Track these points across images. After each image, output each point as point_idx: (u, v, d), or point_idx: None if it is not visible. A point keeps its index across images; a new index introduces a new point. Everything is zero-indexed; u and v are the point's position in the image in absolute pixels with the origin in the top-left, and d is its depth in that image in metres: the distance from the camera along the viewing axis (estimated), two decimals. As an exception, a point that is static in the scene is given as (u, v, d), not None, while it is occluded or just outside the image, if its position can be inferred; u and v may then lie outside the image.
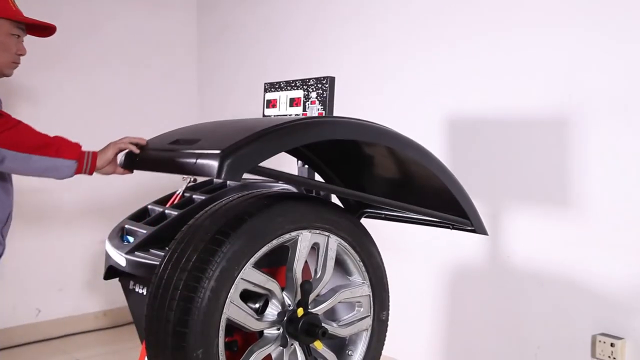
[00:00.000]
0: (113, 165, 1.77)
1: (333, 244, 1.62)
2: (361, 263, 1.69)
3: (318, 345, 1.59)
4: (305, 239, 1.55)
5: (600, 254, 2.19)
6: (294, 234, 1.52)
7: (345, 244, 1.64)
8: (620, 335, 2.15)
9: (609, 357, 2.15)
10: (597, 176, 2.19)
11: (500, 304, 2.49)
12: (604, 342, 2.16)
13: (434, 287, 2.72)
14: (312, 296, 1.58)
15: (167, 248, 1.49)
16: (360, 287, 1.69)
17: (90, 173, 1.79)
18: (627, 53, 2.11)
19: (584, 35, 2.21)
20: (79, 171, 1.76)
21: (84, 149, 1.77)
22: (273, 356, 1.54)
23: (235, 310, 1.42)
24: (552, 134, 2.31)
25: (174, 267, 1.42)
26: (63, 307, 3.46)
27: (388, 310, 1.76)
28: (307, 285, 1.56)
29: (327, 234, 1.60)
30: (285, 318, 1.53)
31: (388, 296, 1.77)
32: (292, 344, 1.55)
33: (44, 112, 3.35)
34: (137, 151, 1.65)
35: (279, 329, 1.54)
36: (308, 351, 1.57)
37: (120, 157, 1.75)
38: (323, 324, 1.57)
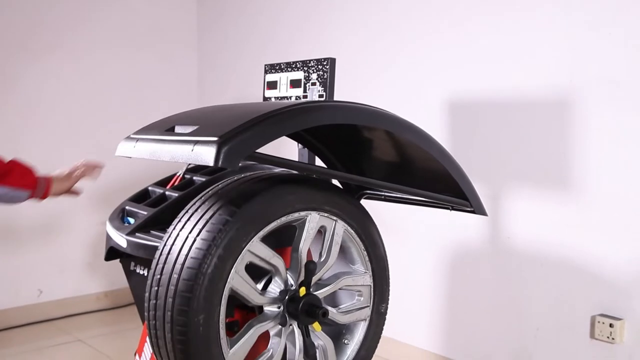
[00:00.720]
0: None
1: (340, 229, 1.64)
2: (365, 252, 1.70)
3: (317, 327, 1.60)
4: (313, 220, 1.57)
5: (600, 235, 2.20)
6: (302, 213, 1.54)
7: (352, 231, 1.66)
8: (620, 316, 2.16)
9: (608, 337, 2.16)
10: (597, 159, 2.19)
11: (499, 285, 2.50)
12: (603, 323, 2.17)
13: (433, 268, 2.73)
14: (314, 278, 1.59)
15: (178, 217, 1.51)
16: (362, 277, 1.70)
17: (42, 199, 1.84)
18: (628, 36, 2.10)
19: (584, 18, 2.20)
20: (30, 198, 1.81)
21: (38, 173, 1.82)
22: (271, 333, 1.55)
23: (239, 281, 1.44)
24: (552, 116, 2.30)
25: (183, 233, 1.44)
26: (64, 288, 3.48)
27: (387, 303, 1.78)
28: (312, 266, 1.57)
29: (335, 218, 1.62)
30: (287, 297, 1.55)
31: (389, 289, 1.78)
32: (290, 324, 1.57)
33: (41, 96, 3.34)
34: (95, 177, 1.70)
35: (279, 307, 1.55)
36: (306, 332, 1.58)
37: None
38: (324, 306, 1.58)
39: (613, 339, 2.15)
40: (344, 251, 1.71)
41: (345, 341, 1.73)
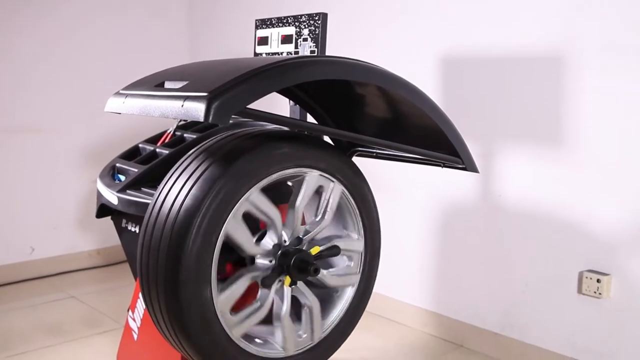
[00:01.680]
0: None
1: (337, 191, 1.65)
2: (359, 217, 1.72)
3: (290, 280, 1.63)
4: (313, 178, 1.59)
5: (589, 193, 2.21)
6: (304, 169, 1.56)
7: (349, 197, 1.67)
8: (607, 271, 2.19)
9: (595, 292, 2.20)
10: (590, 117, 2.19)
11: (490, 242, 2.52)
12: (590, 279, 2.21)
13: (424, 225, 2.75)
14: (308, 237, 1.61)
15: (169, 173, 1.51)
16: (354, 242, 1.73)
17: None
18: (624, -11, 2.08)
19: (581, -30, 2.17)
20: None
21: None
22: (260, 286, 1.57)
23: (234, 226, 1.46)
24: (546, 73, 2.29)
25: (174, 190, 1.46)
26: (57, 245, 3.49)
27: (376, 274, 1.80)
28: (306, 224, 1.59)
29: (334, 180, 1.63)
30: (280, 251, 1.56)
31: (379, 257, 1.80)
32: (281, 279, 1.58)
33: (24, 51, 3.29)
34: None
35: (271, 261, 1.56)
36: (294, 283, 1.60)
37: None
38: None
39: (600, 294, 2.18)
40: (337, 214, 1.72)
41: (331, 306, 1.74)
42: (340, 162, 1.65)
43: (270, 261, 1.57)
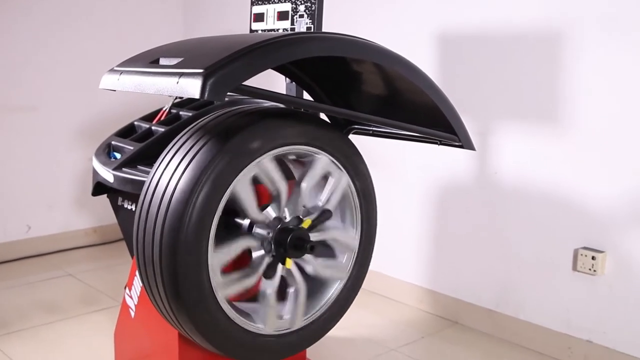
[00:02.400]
0: None
1: (345, 182, 1.66)
2: (359, 218, 1.73)
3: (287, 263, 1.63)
4: (324, 161, 1.60)
5: (585, 171, 2.22)
6: (314, 149, 1.58)
7: (354, 192, 1.69)
8: (601, 248, 2.20)
9: (590, 269, 2.21)
10: (587, 94, 2.18)
11: (485, 220, 2.53)
12: (586, 256, 2.22)
13: (420, 203, 2.76)
14: (308, 218, 1.61)
15: (165, 151, 1.52)
16: (350, 236, 1.73)
17: None
18: (622, -35, 2.06)
19: (579, -54, 2.15)
20: None
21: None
22: (254, 255, 1.57)
23: (242, 187, 1.46)
24: (543, 51, 2.28)
25: (170, 167, 1.46)
26: (53, 223, 3.49)
27: (366, 271, 1.80)
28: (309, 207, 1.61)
29: (343, 170, 1.65)
30: (279, 225, 1.57)
31: (369, 261, 1.81)
32: (274, 254, 1.58)
33: (20, 30, 3.26)
34: None
35: (269, 234, 1.57)
36: (284, 261, 1.61)
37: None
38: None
39: (594, 271, 2.20)
40: (340, 207, 1.73)
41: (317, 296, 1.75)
42: (333, 136, 1.64)
43: (268, 233, 1.57)
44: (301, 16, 1.99)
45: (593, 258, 2.20)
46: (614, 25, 2.09)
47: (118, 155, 2.06)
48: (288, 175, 1.61)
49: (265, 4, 2.12)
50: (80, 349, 2.35)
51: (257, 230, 1.57)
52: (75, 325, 2.55)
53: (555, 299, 2.35)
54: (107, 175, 1.94)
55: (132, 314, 2.00)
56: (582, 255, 2.23)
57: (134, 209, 2.01)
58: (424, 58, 2.63)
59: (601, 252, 2.20)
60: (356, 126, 1.85)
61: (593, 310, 2.25)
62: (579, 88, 2.20)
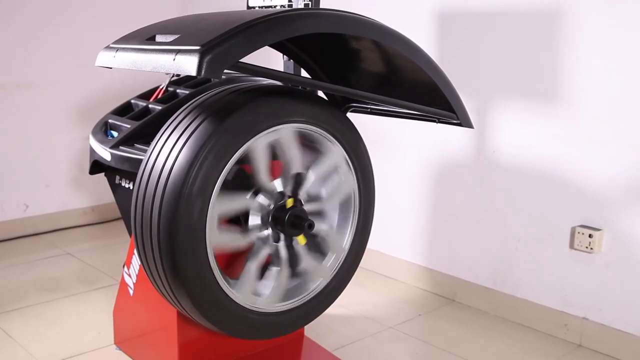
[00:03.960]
0: None
1: (342, 157, 1.68)
2: (357, 201, 1.75)
3: (301, 240, 1.62)
4: (332, 150, 1.64)
5: (583, 149, 2.21)
6: (313, 127, 1.59)
7: (353, 172, 1.71)
8: (599, 227, 2.21)
9: (587, 247, 2.22)
10: (586, 73, 2.17)
11: (483, 198, 2.54)
12: (583, 234, 2.22)
13: (418, 181, 2.76)
14: (303, 191, 1.62)
15: (162, 129, 1.52)
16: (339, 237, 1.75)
17: None
18: (623, -59, 2.04)
19: None
20: None
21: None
22: (255, 239, 1.58)
23: (259, 152, 1.49)
24: (542, 28, 2.26)
25: (168, 145, 1.46)
26: (51, 202, 3.49)
27: (352, 275, 1.81)
28: (299, 178, 1.61)
29: (340, 146, 1.66)
30: (274, 206, 1.58)
31: (359, 263, 1.82)
32: (276, 233, 1.59)
33: (17, 7, 3.23)
34: None
35: (269, 205, 1.59)
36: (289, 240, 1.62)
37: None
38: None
39: (591, 248, 2.21)
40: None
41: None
42: (331, 115, 1.64)
43: (269, 205, 1.57)
44: (299, -7, 1.97)
45: (590, 236, 2.20)
46: (614, 3, 2.08)
47: (115, 134, 2.05)
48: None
49: (262, -20, 2.10)
50: (80, 326, 2.36)
51: (262, 199, 1.57)
52: (74, 304, 2.56)
53: (552, 277, 2.36)
54: (105, 153, 1.94)
55: (131, 292, 2.01)
56: (579, 233, 2.24)
57: (131, 188, 2.01)
58: (422, 36, 2.61)
59: (598, 230, 2.20)
60: (354, 104, 1.85)
61: (589, 288, 2.26)
62: (579, 66, 2.19)
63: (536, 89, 2.31)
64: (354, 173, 1.72)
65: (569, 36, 2.20)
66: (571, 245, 2.28)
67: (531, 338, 2.36)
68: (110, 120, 2.13)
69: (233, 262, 1.68)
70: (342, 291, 1.80)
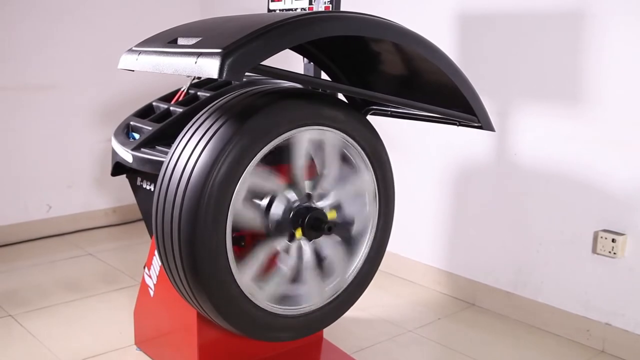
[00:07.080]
0: None
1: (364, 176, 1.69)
2: (378, 201, 1.75)
3: (331, 214, 1.66)
4: (332, 138, 1.61)
5: (606, 152, 2.19)
6: (333, 130, 1.60)
7: (373, 175, 1.72)
8: (622, 231, 2.18)
9: (610, 252, 2.19)
10: (609, 74, 2.15)
11: (505, 201, 2.52)
12: (606, 238, 2.20)
13: (438, 184, 2.74)
14: (316, 191, 1.62)
15: (183, 131, 1.53)
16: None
17: None
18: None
19: None
20: None
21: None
22: (279, 249, 1.58)
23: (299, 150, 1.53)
24: (564, 29, 2.24)
25: (189, 147, 1.47)
26: (73, 203, 3.52)
27: (368, 284, 1.82)
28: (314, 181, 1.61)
29: (358, 147, 1.66)
30: (292, 214, 1.57)
31: (389, 235, 1.82)
32: (298, 239, 1.59)
33: (41, 9, 3.27)
34: None
35: (294, 202, 1.59)
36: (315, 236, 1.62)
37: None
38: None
39: (615, 253, 2.18)
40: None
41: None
42: (351, 117, 1.64)
43: (294, 202, 1.59)
44: (319, -4, 1.98)
45: (613, 240, 2.18)
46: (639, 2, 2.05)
47: (137, 136, 2.07)
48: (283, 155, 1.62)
49: (283, -17, 2.10)
50: (101, 326, 2.38)
51: (289, 194, 1.59)
52: (95, 304, 2.59)
53: (574, 282, 2.33)
54: (126, 155, 1.95)
55: (152, 293, 2.02)
56: (602, 237, 2.21)
57: (152, 189, 2.03)
58: (443, 37, 2.60)
59: (622, 234, 2.17)
60: (374, 107, 1.84)
61: (612, 293, 2.23)
62: (602, 69, 2.17)
63: (558, 91, 2.29)
64: (373, 176, 1.72)
65: (593, 37, 2.17)
66: (594, 250, 2.26)
67: (552, 343, 2.34)
68: (132, 123, 2.15)
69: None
70: (360, 295, 1.80)
